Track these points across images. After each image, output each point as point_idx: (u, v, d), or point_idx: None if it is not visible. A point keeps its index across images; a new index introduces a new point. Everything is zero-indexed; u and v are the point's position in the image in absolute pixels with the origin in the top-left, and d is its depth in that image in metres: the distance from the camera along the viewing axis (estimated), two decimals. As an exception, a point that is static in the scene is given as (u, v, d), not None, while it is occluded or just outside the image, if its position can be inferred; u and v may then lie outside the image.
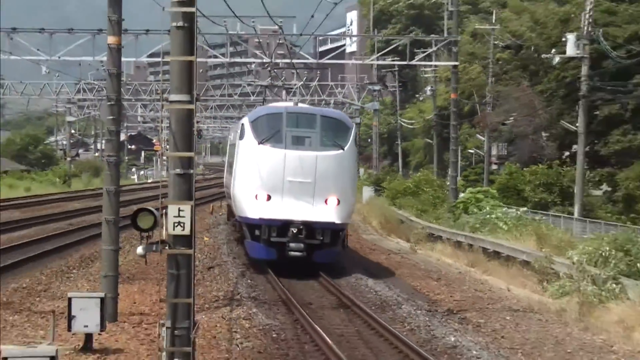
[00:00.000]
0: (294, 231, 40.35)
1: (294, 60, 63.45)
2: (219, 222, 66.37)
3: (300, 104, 49.64)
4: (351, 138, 42.87)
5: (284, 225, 40.81)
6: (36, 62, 75.09)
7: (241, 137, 43.41)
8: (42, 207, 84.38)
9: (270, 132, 42.02)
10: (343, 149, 42.29)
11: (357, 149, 54.53)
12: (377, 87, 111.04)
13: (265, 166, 41.54)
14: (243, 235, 44.18)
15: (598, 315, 31.72)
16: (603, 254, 36.89)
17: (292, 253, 40.39)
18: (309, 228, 40.72)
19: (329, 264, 42.52)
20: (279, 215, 40.83)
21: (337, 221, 41.65)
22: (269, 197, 41.17)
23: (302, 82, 66.88)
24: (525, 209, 63.30)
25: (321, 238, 41.15)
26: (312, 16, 47.27)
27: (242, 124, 44.32)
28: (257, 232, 41.33)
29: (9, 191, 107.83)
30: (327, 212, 41.35)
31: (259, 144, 41.81)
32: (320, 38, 72.82)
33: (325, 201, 41.42)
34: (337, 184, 42.05)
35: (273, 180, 41.23)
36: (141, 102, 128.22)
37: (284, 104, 49.05)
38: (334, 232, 42.00)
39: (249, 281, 38.76)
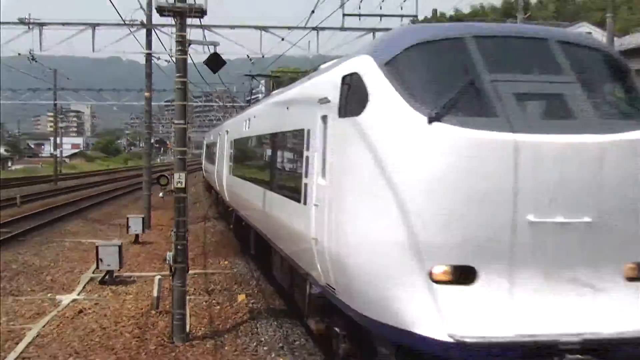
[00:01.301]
0: None
1: (234, 104, 62.85)
2: (199, 182, 65.63)
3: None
4: None
5: (529, 356, 3.54)
6: (110, 105, 74.89)
7: (356, 109, 4.58)
8: (114, 174, 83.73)
9: (453, 87, 3.68)
10: None
11: None
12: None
13: (454, 183, 3.51)
14: (351, 352, 5.52)
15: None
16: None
17: None
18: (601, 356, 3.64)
19: None
20: (512, 328, 3.47)
21: None
22: (470, 277, 3.59)
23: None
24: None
25: None
26: (243, 83, 47.18)
27: (354, 75, 4.65)
28: None
29: (99, 166, 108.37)
30: (634, 304, 3.75)
31: (430, 121, 3.61)
32: (247, 93, 72.56)
33: (626, 273, 3.82)
34: None
35: (482, 226, 3.39)
36: (161, 124, 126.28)
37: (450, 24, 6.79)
38: None
39: (213, 208, 38.24)
